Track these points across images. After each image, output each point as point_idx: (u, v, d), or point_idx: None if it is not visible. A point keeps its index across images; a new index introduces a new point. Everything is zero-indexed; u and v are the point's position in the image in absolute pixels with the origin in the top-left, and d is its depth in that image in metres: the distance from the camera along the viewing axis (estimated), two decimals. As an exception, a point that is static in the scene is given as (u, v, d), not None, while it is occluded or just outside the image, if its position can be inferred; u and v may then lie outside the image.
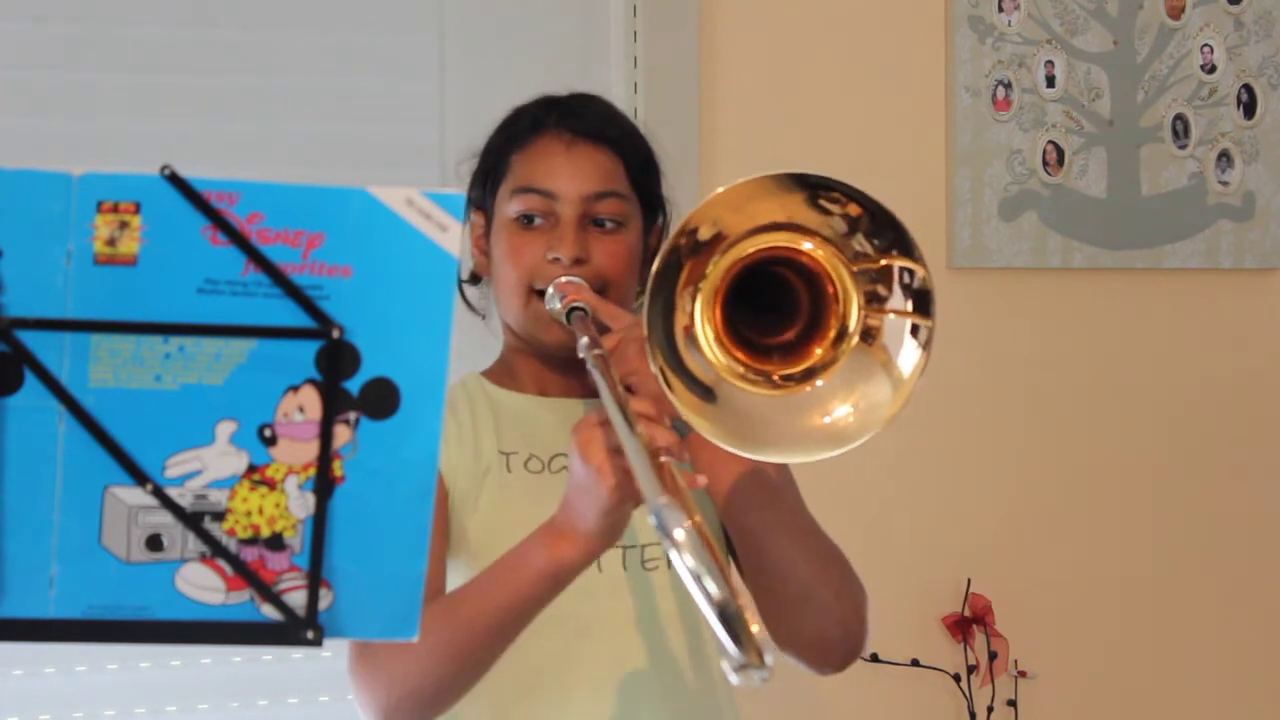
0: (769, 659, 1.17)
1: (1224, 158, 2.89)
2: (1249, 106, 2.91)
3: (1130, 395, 2.88)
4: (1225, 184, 2.89)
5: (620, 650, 1.75)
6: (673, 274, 1.50)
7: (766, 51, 2.68)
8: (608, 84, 2.54)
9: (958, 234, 2.75)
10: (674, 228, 1.51)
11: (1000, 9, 2.77)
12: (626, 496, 1.48)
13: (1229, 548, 2.92)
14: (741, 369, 1.54)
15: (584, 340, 1.63)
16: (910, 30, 2.75)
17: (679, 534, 1.26)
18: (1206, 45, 2.89)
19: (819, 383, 1.54)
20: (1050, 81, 2.80)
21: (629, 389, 1.57)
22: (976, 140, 2.76)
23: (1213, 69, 2.89)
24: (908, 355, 1.52)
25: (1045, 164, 2.80)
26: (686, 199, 1.88)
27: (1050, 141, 2.80)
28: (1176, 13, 2.87)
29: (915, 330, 1.52)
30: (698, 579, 1.23)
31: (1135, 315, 2.88)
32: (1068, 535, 2.84)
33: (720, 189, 1.48)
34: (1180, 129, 2.87)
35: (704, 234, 1.50)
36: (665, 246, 1.49)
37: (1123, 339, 2.88)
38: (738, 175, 1.48)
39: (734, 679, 1.18)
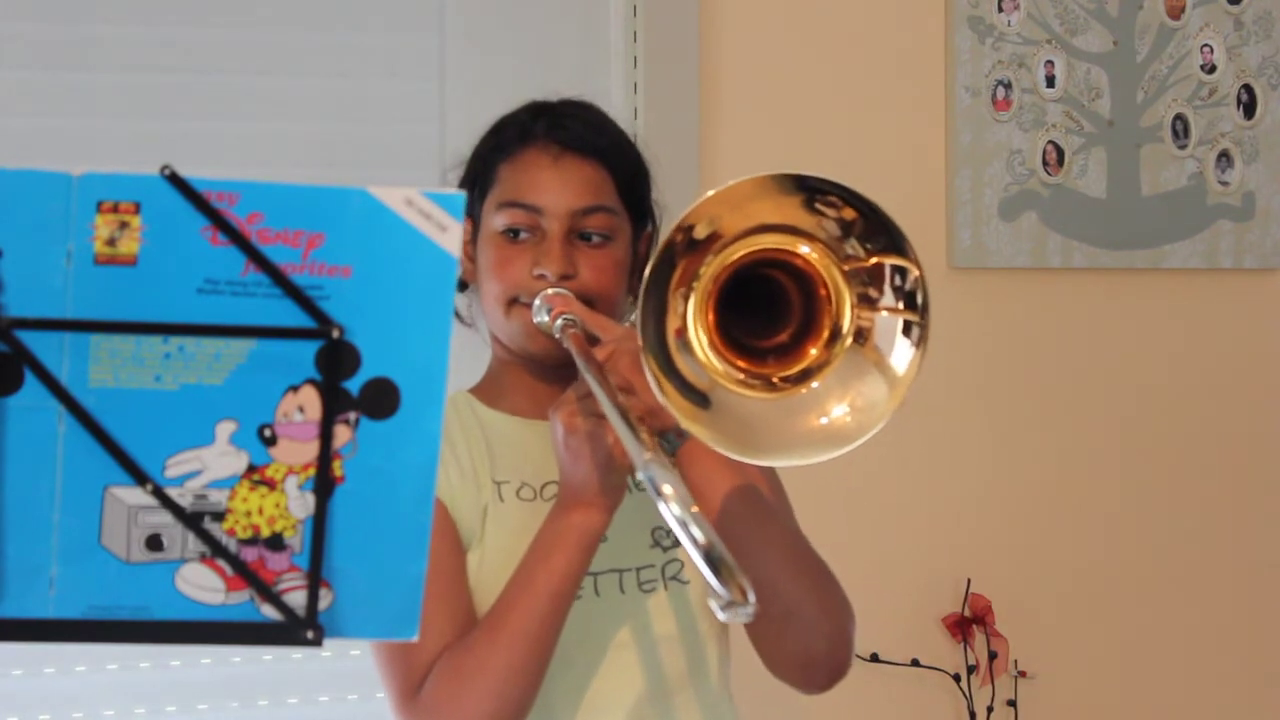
0: (751, 596, 1.23)
1: (1224, 158, 2.89)
2: (1249, 106, 2.91)
3: (1130, 395, 2.88)
4: (1225, 184, 2.89)
5: (622, 673, 1.74)
6: (666, 272, 1.47)
7: (766, 52, 2.68)
8: (608, 85, 2.54)
9: (958, 234, 2.75)
10: (669, 225, 1.48)
11: (1000, 9, 2.77)
12: (618, 455, 1.57)
13: (1229, 547, 2.93)
14: (737, 373, 1.52)
15: (560, 321, 1.65)
16: (910, 30, 2.75)
17: (667, 489, 1.31)
18: (1206, 45, 2.88)
19: (815, 384, 1.53)
20: (1050, 81, 2.80)
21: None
22: (976, 140, 2.76)
23: (1213, 69, 2.89)
24: (901, 353, 1.50)
25: (1045, 164, 2.80)
26: (686, 200, 1.84)
27: (1050, 141, 2.80)
28: (1176, 13, 2.87)
29: (908, 328, 1.50)
30: (684, 526, 1.28)
31: (1135, 315, 2.88)
32: (1068, 535, 2.84)
33: (719, 187, 1.46)
34: (1180, 129, 2.87)
35: (700, 232, 1.48)
36: (660, 243, 1.47)
37: (1123, 339, 2.88)
38: (738, 175, 1.47)
39: (722, 616, 1.24)
